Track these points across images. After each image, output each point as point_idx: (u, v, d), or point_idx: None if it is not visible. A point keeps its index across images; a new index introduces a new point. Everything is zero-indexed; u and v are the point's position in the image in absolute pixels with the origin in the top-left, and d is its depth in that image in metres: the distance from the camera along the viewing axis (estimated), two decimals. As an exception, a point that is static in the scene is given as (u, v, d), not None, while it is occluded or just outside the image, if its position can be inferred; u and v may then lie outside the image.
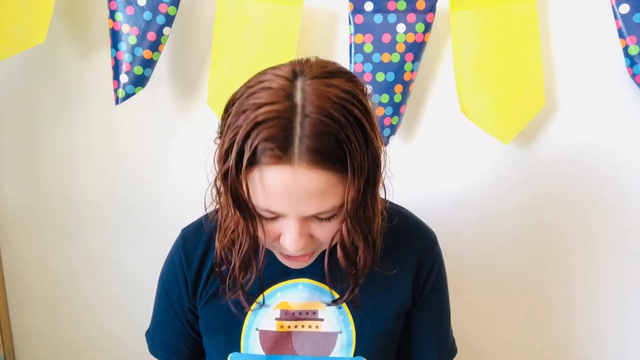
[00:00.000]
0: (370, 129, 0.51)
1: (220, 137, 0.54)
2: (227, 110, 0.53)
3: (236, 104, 0.51)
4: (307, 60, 0.54)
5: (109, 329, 1.15)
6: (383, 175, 0.56)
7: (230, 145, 0.49)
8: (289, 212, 0.52)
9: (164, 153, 1.03)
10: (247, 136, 0.48)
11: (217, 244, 0.61)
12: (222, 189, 0.54)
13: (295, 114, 0.48)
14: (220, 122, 0.55)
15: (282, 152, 0.48)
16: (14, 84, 1.04)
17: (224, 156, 0.50)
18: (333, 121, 0.48)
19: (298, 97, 0.49)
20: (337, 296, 0.64)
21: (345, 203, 0.51)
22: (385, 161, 0.55)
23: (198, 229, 0.68)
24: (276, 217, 0.53)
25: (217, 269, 0.62)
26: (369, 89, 0.87)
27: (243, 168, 0.49)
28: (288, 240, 0.53)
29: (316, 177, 0.49)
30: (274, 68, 0.53)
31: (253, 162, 0.49)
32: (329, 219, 0.53)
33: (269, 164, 0.48)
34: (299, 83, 0.50)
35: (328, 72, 0.52)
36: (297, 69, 0.51)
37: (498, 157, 0.97)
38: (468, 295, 1.03)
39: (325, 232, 0.55)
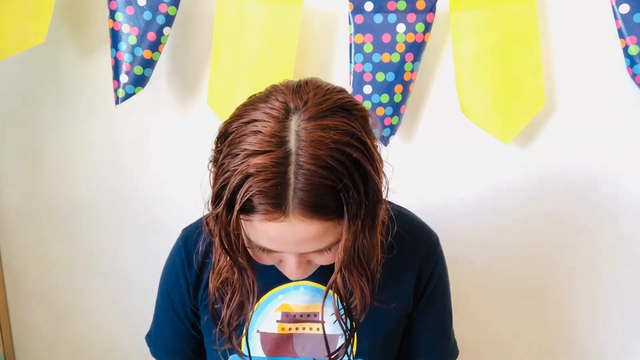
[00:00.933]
0: (371, 167, 0.49)
1: (213, 164, 0.52)
2: (219, 140, 0.52)
3: (228, 141, 0.49)
4: (304, 90, 0.51)
5: (108, 328, 1.15)
6: (385, 192, 0.55)
7: (222, 189, 0.48)
8: (286, 251, 0.52)
9: (164, 153, 1.03)
10: (238, 186, 0.46)
11: (210, 284, 0.60)
12: (215, 229, 0.52)
13: (288, 163, 0.46)
14: (214, 146, 0.53)
15: (276, 207, 0.46)
16: (14, 84, 1.04)
17: (215, 198, 0.49)
18: (330, 171, 0.46)
19: (291, 143, 0.46)
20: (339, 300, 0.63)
21: (340, 252, 0.50)
22: (387, 185, 0.54)
23: (199, 229, 0.67)
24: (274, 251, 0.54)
25: (210, 308, 0.62)
26: (366, 91, 0.88)
27: (233, 217, 0.47)
28: (288, 270, 0.55)
29: (311, 227, 0.48)
30: (266, 100, 0.50)
31: (247, 212, 0.48)
32: (328, 249, 0.53)
33: (263, 220, 0.47)
34: (292, 125, 0.47)
35: (325, 110, 0.48)
36: (291, 106, 0.48)
37: (498, 157, 0.97)
38: (468, 295, 1.03)
39: (324, 260, 0.55)
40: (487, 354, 1.07)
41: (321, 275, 0.63)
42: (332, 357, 0.63)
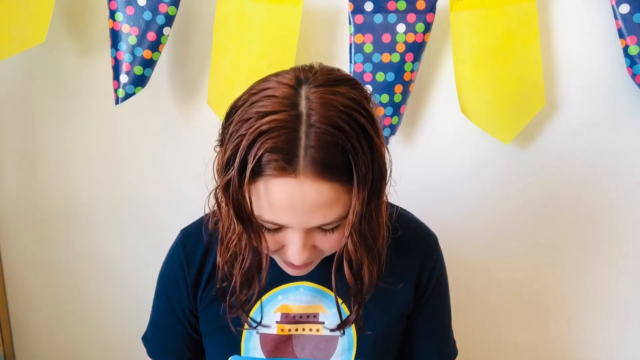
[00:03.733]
0: (376, 137, 0.50)
1: (220, 145, 0.52)
2: (228, 117, 0.52)
3: (238, 112, 0.50)
4: (311, 67, 0.53)
5: (108, 328, 1.15)
6: (388, 185, 0.56)
7: (233, 155, 0.48)
8: (293, 225, 0.51)
9: (164, 153, 1.03)
10: (250, 146, 0.47)
11: (218, 258, 0.59)
12: (223, 201, 0.52)
13: (300, 123, 0.47)
14: (221, 129, 0.53)
15: (287, 163, 0.46)
16: (14, 84, 1.04)
17: (226, 166, 0.49)
18: (339, 131, 0.47)
19: (303, 106, 0.48)
20: (339, 301, 0.63)
21: (351, 216, 0.50)
22: (390, 170, 0.55)
23: (198, 230, 0.67)
24: (280, 228, 0.53)
25: (218, 286, 0.62)
26: (369, 89, 0.88)
27: (246, 179, 0.47)
28: (292, 252, 0.53)
29: (322, 189, 0.48)
30: (276, 75, 0.52)
31: (257, 173, 0.48)
32: (333, 230, 0.53)
33: (274, 176, 0.47)
34: (303, 91, 0.49)
35: (333, 80, 0.50)
36: (301, 77, 0.50)
37: (498, 157, 0.97)
38: (467, 295, 1.03)
39: (329, 243, 0.54)
40: (485, 355, 1.07)
41: (321, 276, 0.63)
42: (339, 326, 0.63)
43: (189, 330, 0.69)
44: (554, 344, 1.06)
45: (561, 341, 1.06)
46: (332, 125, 0.47)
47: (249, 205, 0.49)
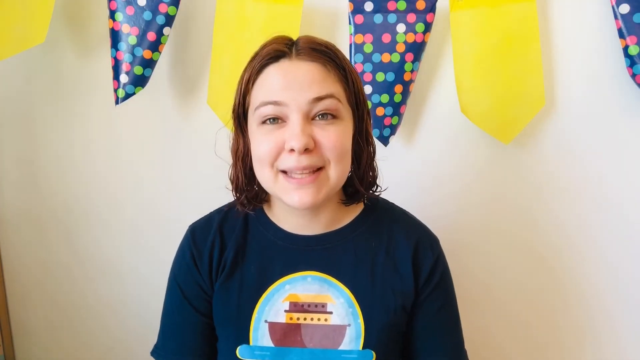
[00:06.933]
0: (354, 69, 0.64)
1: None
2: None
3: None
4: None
5: (108, 328, 1.15)
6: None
7: (241, 79, 0.63)
8: (289, 100, 0.58)
9: (164, 153, 1.03)
10: (255, 55, 0.62)
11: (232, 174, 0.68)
12: (235, 125, 0.65)
13: (292, 42, 0.62)
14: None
15: (282, 52, 0.60)
16: (14, 84, 1.04)
17: (237, 89, 0.63)
18: (321, 43, 0.62)
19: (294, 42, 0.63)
20: (347, 291, 0.65)
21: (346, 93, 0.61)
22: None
23: (207, 222, 0.71)
24: (279, 122, 0.60)
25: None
26: (369, 89, 0.88)
27: (251, 77, 0.61)
28: (291, 135, 0.58)
29: (312, 66, 0.60)
30: None
31: (260, 68, 0.61)
32: (330, 119, 0.60)
33: (272, 63, 0.60)
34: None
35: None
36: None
37: (498, 157, 0.97)
38: (467, 296, 1.03)
39: (326, 136, 0.59)
40: (485, 352, 1.07)
41: (328, 265, 0.66)
42: None
43: (205, 319, 0.69)
44: (553, 342, 1.06)
45: (561, 340, 1.06)
46: (317, 39, 0.62)
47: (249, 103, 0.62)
